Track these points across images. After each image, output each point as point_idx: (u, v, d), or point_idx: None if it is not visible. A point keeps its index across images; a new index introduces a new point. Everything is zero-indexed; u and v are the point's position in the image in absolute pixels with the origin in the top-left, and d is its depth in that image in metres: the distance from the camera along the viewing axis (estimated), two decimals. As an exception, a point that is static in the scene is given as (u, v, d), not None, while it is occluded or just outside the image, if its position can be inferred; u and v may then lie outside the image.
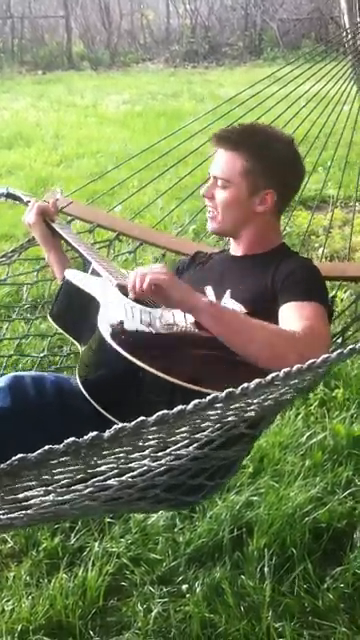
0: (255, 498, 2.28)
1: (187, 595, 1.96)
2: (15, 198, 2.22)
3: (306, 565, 2.03)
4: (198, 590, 1.96)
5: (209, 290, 1.81)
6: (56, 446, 0.88)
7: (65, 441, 0.88)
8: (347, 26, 3.03)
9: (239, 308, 1.73)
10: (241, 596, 1.95)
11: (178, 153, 2.78)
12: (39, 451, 0.87)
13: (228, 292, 1.77)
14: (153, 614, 1.90)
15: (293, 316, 1.61)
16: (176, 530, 2.19)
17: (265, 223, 1.85)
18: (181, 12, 15.01)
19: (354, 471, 2.41)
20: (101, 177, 3.18)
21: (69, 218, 2.46)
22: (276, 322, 1.62)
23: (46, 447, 0.88)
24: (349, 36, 2.93)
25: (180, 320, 1.63)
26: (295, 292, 1.66)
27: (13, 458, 0.87)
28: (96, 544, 2.12)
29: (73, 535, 2.16)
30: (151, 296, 1.57)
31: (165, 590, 1.98)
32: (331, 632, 1.86)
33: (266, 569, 2.01)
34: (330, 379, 2.92)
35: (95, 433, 0.89)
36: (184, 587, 1.99)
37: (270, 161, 1.80)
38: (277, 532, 2.14)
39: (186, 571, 2.05)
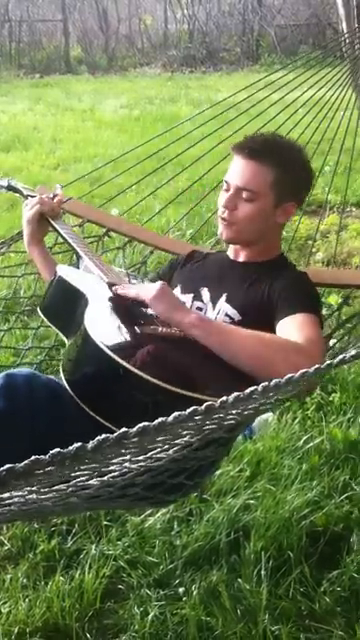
0: (252, 502, 2.29)
1: (184, 598, 1.97)
2: (16, 191, 2.23)
3: (303, 568, 2.03)
4: (195, 593, 1.97)
5: (205, 291, 1.83)
6: (42, 457, 0.90)
7: (50, 452, 0.90)
8: (345, 32, 3.04)
9: (233, 313, 1.75)
10: (238, 599, 1.95)
11: (175, 156, 2.79)
12: (26, 462, 0.89)
13: (224, 296, 1.79)
14: (150, 617, 1.90)
15: (289, 328, 1.63)
16: (173, 533, 2.19)
17: (277, 231, 1.90)
18: (179, 17, 15.06)
19: (351, 475, 2.42)
20: (96, 178, 3.17)
21: (60, 212, 2.47)
22: (268, 331, 1.63)
23: (32, 458, 0.89)
24: (346, 42, 2.94)
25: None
26: (291, 305, 1.68)
27: (1, 469, 0.89)
28: (93, 547, 2.12)
29: (70, 537, 2.16)
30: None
31: (162, 593, 1.98)
32: (328, 635, 1.86)
33: (263, 572, 2.01)
34: (327, 383, 2.93)
35: (79, 444, 0.91)
36: (181, 590, 1.99)
37: (296, 174, 1.83)
38: (274, 535, 2.14)
39: (183, 574, 2.05)
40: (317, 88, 2.77)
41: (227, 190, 1.82)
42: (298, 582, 2.00)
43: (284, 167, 1.79)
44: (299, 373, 1.12)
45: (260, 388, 1.08)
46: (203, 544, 2.13)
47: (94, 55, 14.60)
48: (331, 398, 2.84)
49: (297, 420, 2.70)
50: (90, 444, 0.92)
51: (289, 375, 1.11)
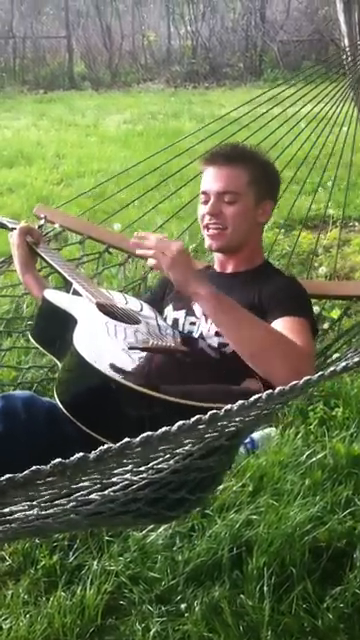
0: (255, 517, 2.27)
1: (186, 614, 1.95)
2: (1, 226, 2.26)
3: (306, 585, 2.02)
4: (197, 609, 1.95)
5: (197, 306, 1.84)
6: (43, 467, 0.89)
7: (52, 462, 0.90)
8: (347, 48, 3.06)
9: None
10: (240, 615, 1.94)
11: (177, 170, 2.80)
12: (26, 472, 0.89)
13: None
14: (151, 633, 1.89)
15: (282, 330, 1.64)
16: (175, 549, 2.18)
17: (260, 235, 1.96)
18: (182, 33, 15.13)
19: (354, 490, 2.40)
20: (99, 194, 3.18)
21: (60, 229, 2.48)
22: None
23: (33, 467, 0.89)
24: (349, 58, 2.95)
25: (157, 335, 1.66)
26: (283, 309, 1.70)
27: (1, 479, 0.88)
28: (95, 562, 2.11)
29: (72, 553, 2.15)
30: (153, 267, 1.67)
31: (164, 609, 1.97)
32: (331, 652, 1.85)
33: (265, 588, 2.00)
34: (330, 398, 2.92)
35: (81, 454, 0.91)
36: (183, 606, 1.98)
37: (267, 173, 1.93)
38: (277, 551, 2.13)
39: (185, 590, 2.04)
40: (318, 103, 2.79)
41: (206, 201, 1.87)
42: (301, 598, 1.99)
43: (255, 167, 1.88)
44: (303, 381, 1.11)
45: (264, 396, 1.07)
46: (205, 560, 2.12)
47: (97, 71, 14.67)
48: (334, 413, 2.83)
49: (300, 435, 2.69)
50: (92, 454, 0.91)
51: (293, 383, 1.11)
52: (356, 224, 4.91)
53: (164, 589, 2.04)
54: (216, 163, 1.87)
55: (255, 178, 1.86)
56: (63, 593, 2.01)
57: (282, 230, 3.49)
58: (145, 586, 2.04)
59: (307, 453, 2.58)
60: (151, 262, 1.66)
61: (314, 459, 2.55)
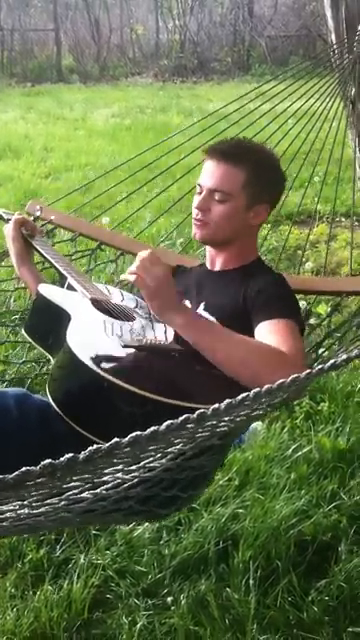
0: (241, 511, 2.29)
1: (172, 608, 1.96)
2: None
3: (291, 578, 2.04)
4: (183, 603, 1.97)
5: (187, 304, 1.83)
6: (33, 468, 0.89)
7: (42, 463, 0.90)
8: (334, 44, 3.06)
9: (212, 320, 1.74)
10: (226, 609, 1.95)
11: (165, 166, 2.80)
12: (16, 473, 0.89)
13: (202, 304, 1.80)
14: (138, 626, 1.90)
15: (268, 334, 1.62)
16: (162, 542, 2.19)
17: (252, 236, 1.91)
18: (170, 27, 15.12)
19: (339, 484, 2.42)
20: (87, 188, 3.18)
21: (51, 226, 2.48)
22: (247, 335, 1.62)
23: (23, 469, 0.89)
24: (336, 53, 2.96)
25: (151, 333, 1.65)
26: (267, 311, 1.67)
27: None
28: (82, 556, 2.11)
29: (59, 547, 2.15)
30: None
31: (150, 602, 1.98)
32: (316, 645, 1.87)
33: (251, 582, 2.02)
34: (315, 393, 2.93)
35: (71, 455, 0.91)
36: (169, 599, 1.99)
37: (267, 176, 1.85)
38: (262, 545, 2.14)
39: (171, 583, 2.05)
40: (307, 99, 2.79)
41: (200, 193, 1.84)
42: (286, 591, 2.00)
43: (256, 169, 1.81)
44: (290, 379, 1.11)
45: (252, 394, 1.07)
46: (192, 553, 2.13)
47: (86, 64, 14.64)
48: (320, 407, 2.85)
49: (286, 429, 2.71)
50: (82, 455, 0.91)
51: (280, 381, 1.11)
52: (343, 219, 4.93)
53: (151, 583, 2.05)
54: (215, 157, 1.82)
55: (251, 180, 1.80)
56: (50, 587, 2.02)
57: (269, 225, 3.50)
58: (132, 580, 2.05)
59: (293, 447, 2.60)
60: (131, 278, 1.61)
61: (300, 453, 2.56)
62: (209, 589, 2.01)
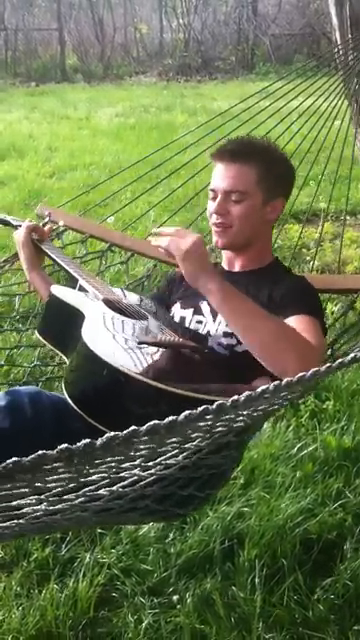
0: (246, 509, 2.29)
1: (178, 606, 1.97)
2: (5, 223, 2.28)
3: (297, 576, 2.03)
4: (189, 601, 1.97)
5: (204, 305, 1.82)
6: (49, 452, 0.89)
7: (58, 447, 0.90)
8: (338, 42, 3.06)
9: None
10: (232, 607, 1.96)
11: (171, 165, 2.81)
12: (33, 455, 0.89)
13: None
14: (144, 625, 1.90)
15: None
16: (167, 541, 2.19)
17: (269, 233, 1.92)
18: (174, 26, 15.11)
19: (344, 483, 2.42)
20: (93, 188, 3.20)
21: (62, 228, 2.48)
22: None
23: (39, 452, 0.89)
24: (340, 52, 2.95)
25: (166, 331, 1.65)
26: (295, 308, 1.68)
27: (8, 461, 0.88)
28: (87, 555, 2.11)
29: (64, 545, 2.16)
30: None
31: (156, 601, 1.98)
32: (321, 643, 1.87)
33: (257, 580, 2.02)
34: (321, 391, 2.93)
35: (88, 440, 0.90)
36: (175, 598, 1.99)
37: (278, 170, 1.86)
38: (268, 543, 2.15)
39: (177, 582, 2.05)
40: (312, 97, 2.79)
41: (214, 198, 1.83)
42: (292, 590, 2.00)
43: (266, 164, 1.81)
44: (310, 372, 1.09)
45: (272, 387, 1.05)
46: (197, 552, 2.13)
47: (90, 64, 14.64)
48: (325, 406, 2.85)
49: (291, 427, 2.71)
50: (99, 441, 0.91)
51: (301, 374, 1.08)
52: (348, 218, 4.92)
53: (156, 581, 2.05)
54: (224, 159, 1.82)
55: (264, 176, 1.80)
56: (55, 585, 2.02)
57: (275, 223, 3.50)
58: (137, 578, 2.05)
59: (298, 446, 2.60)
60: (163, 246, 1.62)
61: (305, 452, 2.56)
62: (215, 588, 2.01)
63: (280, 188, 1.86)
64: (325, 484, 2.41)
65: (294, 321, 1.64)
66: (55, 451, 0.89)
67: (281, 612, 1.94)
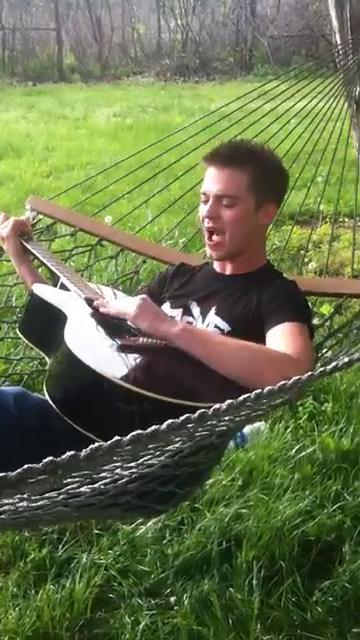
0: (244, 511, 2.28)
1: (175, 607, 1.96)
2: None
3: (295, 578, 2.03)
4: (186, 602, 1.96)
5: (194, 306, 1.82)
6: (35, 465, 0.89)
7: (43, 460, 0.90)
8: (338, 44, 3.05)
9: (223, 326, 1.75)
10: (229, 609, 1.95)
11: (167, 165, 2.79)
12: (19, 470, 0.89)
13: (214, 309, 1.79)
14: (141, 626, 1.89)
15: (277, 339, 1.62)
16: (164, 542, 2.18)
17: (262, 237, 1.90)
18: (172, 27, 15.12)
19: (343, 485, 2.42)
20: (88, 186, 3.18)
21: (51, 221, 2.47)
22: (259, 342, 1.61)
23: (25, 466, 0.89)
24: (340, 54, 2.95)
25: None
26: (282, 315, 1.67)
27: None
28: (84, 555, 2.11)
29: (61, 546, 2.15)
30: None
31: (153, 602, 1.98)
32: (319, 646, 1.86)
33: (255, 582, 2.01)
34: (319, 393, 2.93)
35: (72, 453, 0.91)
36: (172, 599, 1.99)
37: (271, 175, 1.85)
38: (266, 545, 2.14)
39: (174, 583, 2.04)
40: (310, 99, 2.78)
41: (206, 202, 1.82)
42: (290, 592, 2.00)
43: (258, 169, 1.80)
44: (292, 380, 1.11)
45: (253, 395, 1.07)
46: (195, 553, 2.13)
47: (87, 64, 14.63)
48: (323, 408, 2.84)
49: (289, 429, 2.70)
50: (83, 452, 0.91)
51: (282, 382, 1.10)
52: (346, 220, 4.92)
53: (153, 582, 2.04)
54: (217, 163, 1.81)
55: (257, 181, 1.79)
56: (52, 586, 2.01)
57: (272, 225, 3.49)
58: (134, 579, 2.04)
59: (296, 447, 2.59)
60: (112, 313, 1.63)
61: (303, 453, 2.56)
62: (212, 589, 2.00)
63: (272, 193, 1.86)
64: (323, 486, 2.40)
65: (281, 328, 1.64)
66: (40, 465, 0.89)
67: (279, 614, 1.93)
